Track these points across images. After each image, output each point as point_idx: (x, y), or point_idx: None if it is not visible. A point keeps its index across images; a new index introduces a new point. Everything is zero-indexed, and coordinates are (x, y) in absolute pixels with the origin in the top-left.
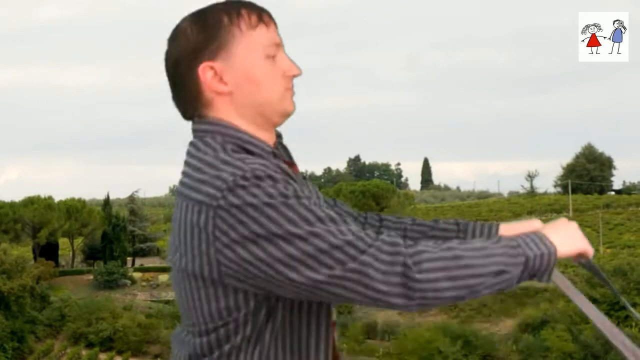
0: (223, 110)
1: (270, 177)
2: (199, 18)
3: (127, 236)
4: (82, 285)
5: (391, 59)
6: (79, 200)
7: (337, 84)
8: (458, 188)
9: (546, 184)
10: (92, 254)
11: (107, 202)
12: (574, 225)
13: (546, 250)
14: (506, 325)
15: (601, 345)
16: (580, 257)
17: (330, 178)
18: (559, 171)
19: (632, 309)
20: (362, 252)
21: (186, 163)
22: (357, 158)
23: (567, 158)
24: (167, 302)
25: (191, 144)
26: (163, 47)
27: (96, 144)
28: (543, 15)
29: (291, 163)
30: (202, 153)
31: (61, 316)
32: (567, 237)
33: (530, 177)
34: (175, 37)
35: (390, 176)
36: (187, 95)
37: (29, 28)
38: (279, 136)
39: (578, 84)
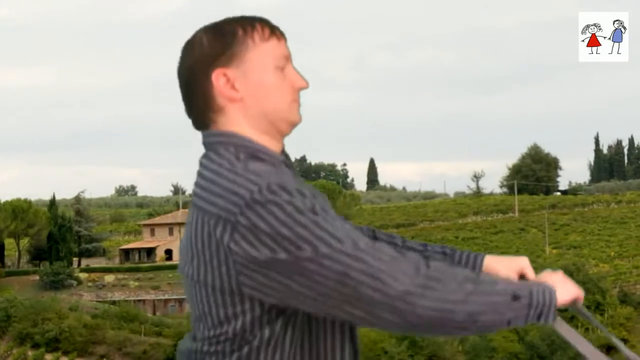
0: (234, 117)
1: (284, 189)
2: (214, 29)
3: (73, 237)
4: (28, 285)
5: (338, 60)
6: (25, 200)
7: None
8: (404, 188)
9: (492, 184)
10: (38, 255)
11: (53, 203)
12: (561, 273)
13: (548, 290)
14: None
15: (547, 346)
16: (575, 302)
17: None
18: (505, 172)
19: (622, 347)
20: (375, 265)
21: (200, 175)
22: (303, 159)
23: (513, 159)
24: (113, 302)
25: (204, 156)
26: (110, 47)
27: (42, 144)
28: (489, 16)
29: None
30: (216, 165)
31: (7, 316)
32: (562, 285)
33: (477, 177)
34: (190, 46)
35: (336, 177)
36: (199, 101)
37: None
38: (284, 153)
39: (524, 85)
